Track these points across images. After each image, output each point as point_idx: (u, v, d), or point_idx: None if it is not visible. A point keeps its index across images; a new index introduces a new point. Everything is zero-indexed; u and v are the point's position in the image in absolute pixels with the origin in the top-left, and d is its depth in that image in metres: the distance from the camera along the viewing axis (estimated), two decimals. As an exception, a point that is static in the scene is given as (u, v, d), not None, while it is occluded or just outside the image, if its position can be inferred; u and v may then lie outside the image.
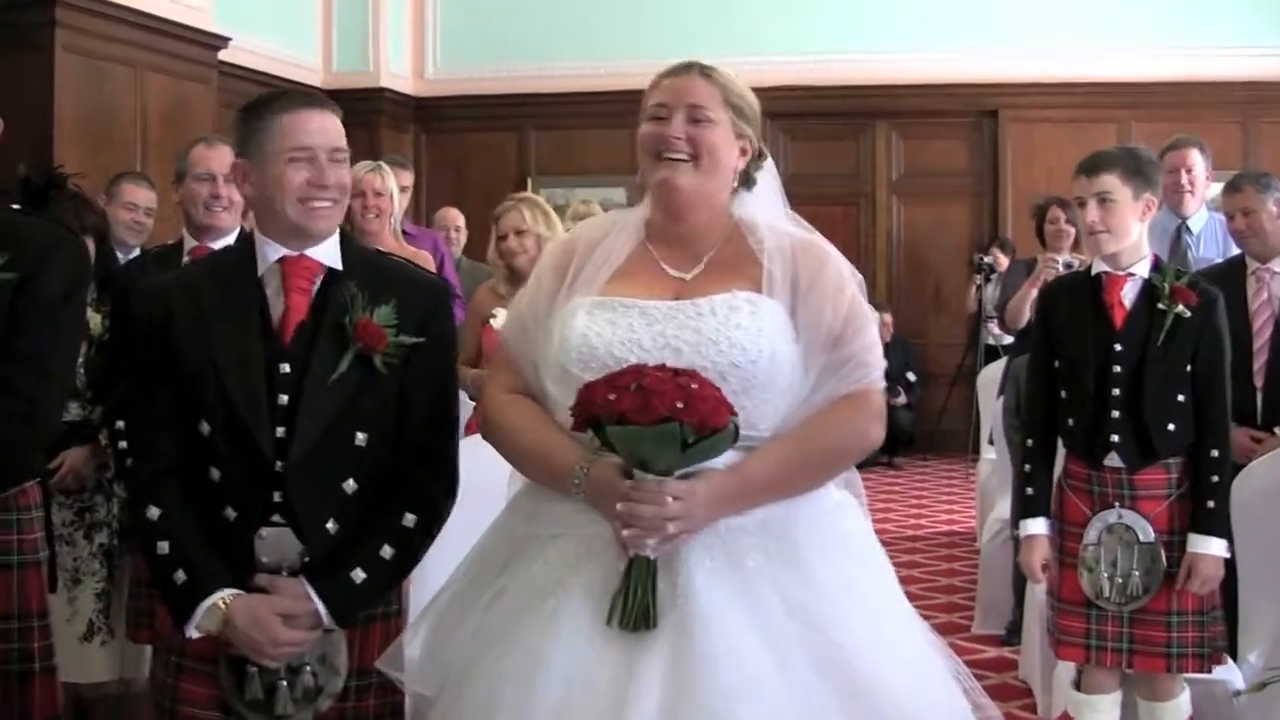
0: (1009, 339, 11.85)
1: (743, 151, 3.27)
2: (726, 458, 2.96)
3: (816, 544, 3.04)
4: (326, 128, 3.32)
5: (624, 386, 2.84)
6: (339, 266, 3.33)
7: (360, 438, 3.24)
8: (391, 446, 3.29)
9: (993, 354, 12.44)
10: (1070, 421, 4.74)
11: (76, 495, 5.32)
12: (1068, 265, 7.80)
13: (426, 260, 7.12)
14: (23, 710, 3.70)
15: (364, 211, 6.90)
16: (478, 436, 3.38)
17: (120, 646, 5.44)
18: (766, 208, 3.32)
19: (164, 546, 3.23)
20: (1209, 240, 7.14)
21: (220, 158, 5.25)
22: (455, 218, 10.41)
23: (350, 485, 3.24)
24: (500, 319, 6.40)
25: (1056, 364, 4.80)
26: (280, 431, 3.21)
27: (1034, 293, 7.80)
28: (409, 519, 3.26)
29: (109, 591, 5.36)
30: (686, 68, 3.28)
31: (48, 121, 9.44)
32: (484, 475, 3.41)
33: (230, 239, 5.19)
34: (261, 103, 3.36)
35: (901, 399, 14.04)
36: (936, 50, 14.52)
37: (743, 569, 2.96)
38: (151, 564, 3.30)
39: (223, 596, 3.18)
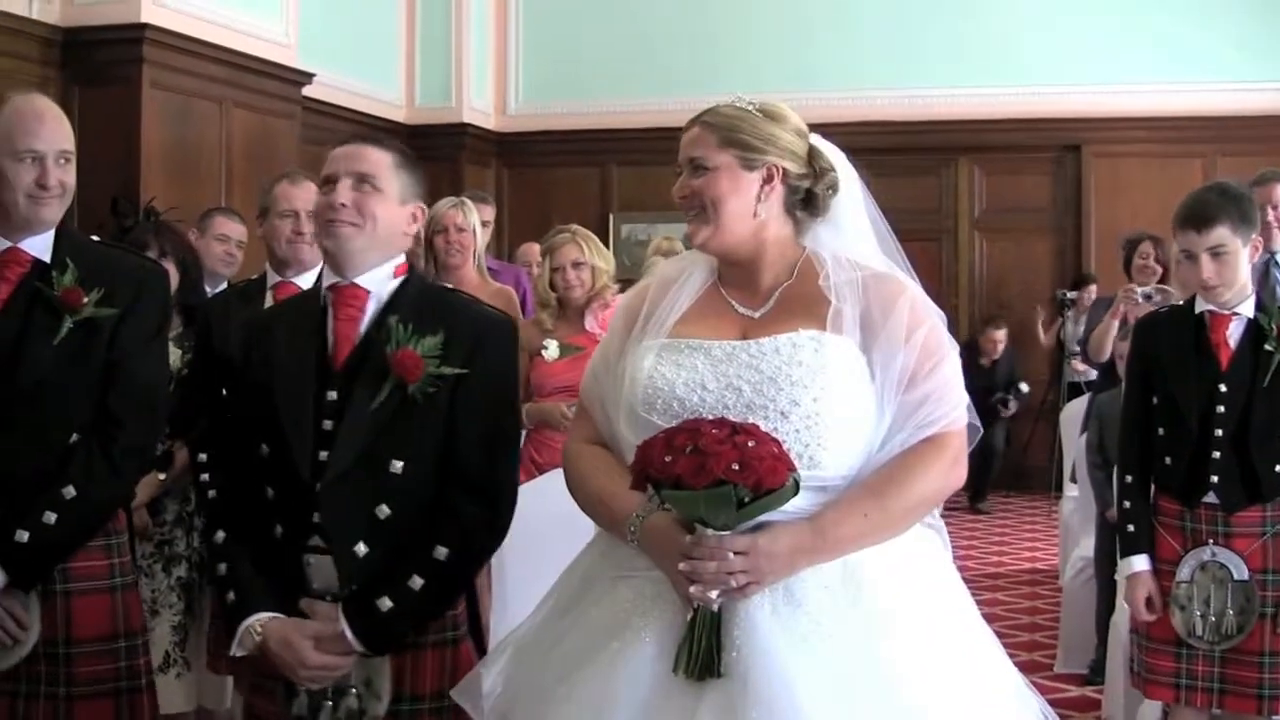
0: (1093, 374, 11.83)
1: (767, 179, 3.15)
2: (799, 502, 2.90)
3: (886, 582, 2.98)
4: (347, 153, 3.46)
5: (680, 448, 2.80)
6: (385, 295, 3.42)
7: (397, 465, 3.30)
8: (437, 475, 3.34)
9: (1076, 390, 12.37)
10: (1167, 460, 4.66)
11: (157, 528, 5.37)
12: (1147, 296, 7.82)
13: (510, 295, 7.12)
14: None
15: (447, 247, 6.89)
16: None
17: (197, 678, 5.48)
18: (846, 235, 3.25)
19: (222, 568, 3.39)
20: (1299, 273, 7.05)
21: (304, 195, 5.25)
22: (538, 253, 10.39)
23: (384, 510, 3.29)
24: (551, 350, 6.40)
25: (1154, 400, 4.73)
26: (324, 455, 3.29)
27: (1115, 324, 7.96)
28: (440, 551, 3.29)
29: (185, 624, 5.40)
30: (692, 121, 3.21)
31: (134, 155, 9.53)
32: (574, 509, 3.38)
33: (313, 274, 5.18)
34: None
35: (1011, 409, 13.90)
36: (1019, 85, 14.46)
37: (804, 608, 2.91)
38: (215, 584, 3.50)
39: (259, 619, 3.30)
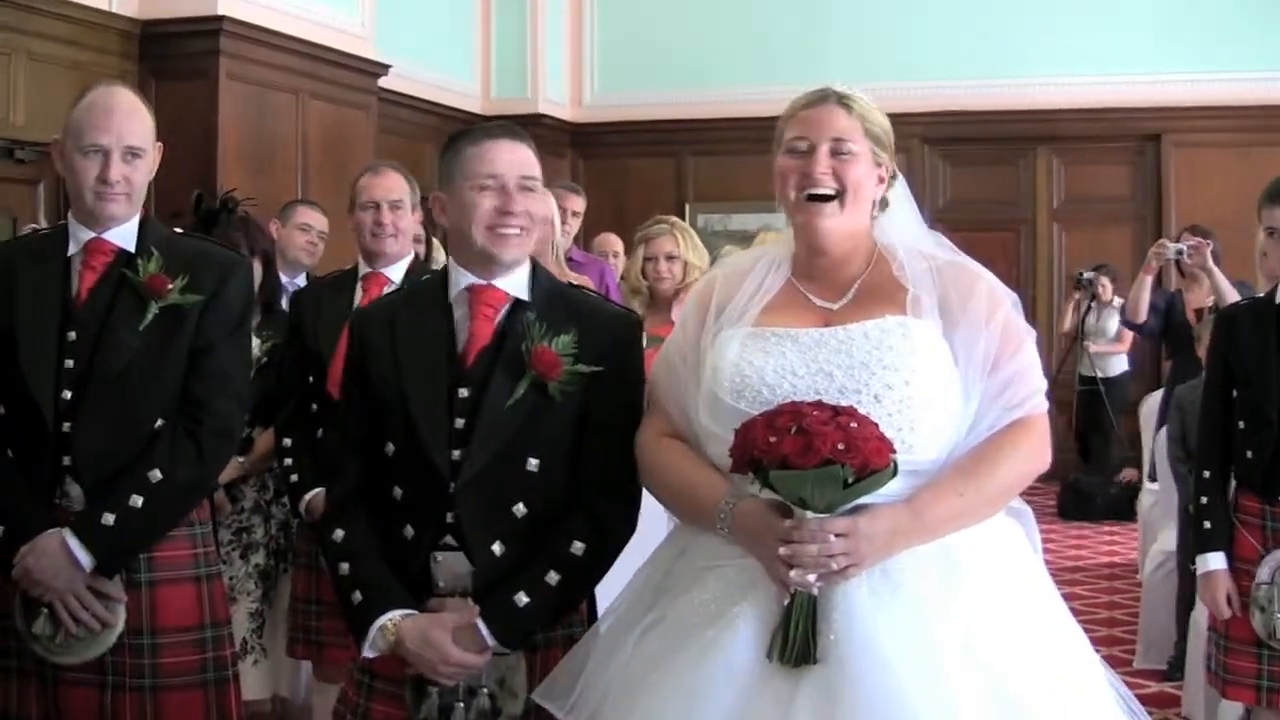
0: (1116, 369, 12.53)
1: (880, 179, 3.24)
2: (894, 486, 2.92)
3: (981, 568, 3.00)
4: (515, 158, 3.37)
5: (784, 429, 2.83)
6: (526, 297, 3.39)
7: (533, 463, 3.29)
8: (570, 473, 3.32)
9: (1088, 383, 12.77)
10: (1249, 454, 4.58)
11: (235, 515, 5.41)
12: (1179, 252, 8.31)
13: (587, 286, 7.12)
14: (221, 717, 3.84)
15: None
16: None
17: (275, 665, 5.51)
18: (903, 229, 3.29)
19: (345, 568, 3.34)
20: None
21: (384, 185, 5.28)
22: (614, 243, 10.36)
23: (520, 509, 3.28)
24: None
25: (1235, 393, 4.65)
26: (456, 454, 3.27)
27: (1149, 280, 8.52)
28: (577, 547, 3.27)
29: (263, 611, 5.44)
30: (823, 97, 3.24)
31: (212, 147, 9.58)
32: (651, 505, 3.41)
33: (403, 265, 5.28)
34: (456, 135, 3.46)
35: None
36: (1097, 75, 14.32)
37: (901, 592, 2.92)
38: (335, 584, 3.39)
39: (392, 617, 3.24)
